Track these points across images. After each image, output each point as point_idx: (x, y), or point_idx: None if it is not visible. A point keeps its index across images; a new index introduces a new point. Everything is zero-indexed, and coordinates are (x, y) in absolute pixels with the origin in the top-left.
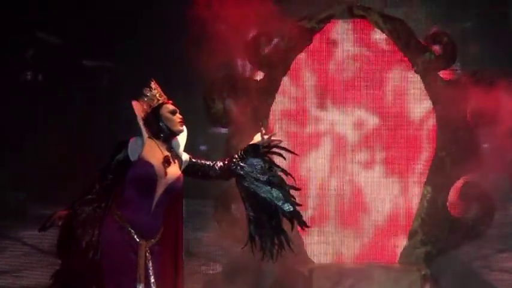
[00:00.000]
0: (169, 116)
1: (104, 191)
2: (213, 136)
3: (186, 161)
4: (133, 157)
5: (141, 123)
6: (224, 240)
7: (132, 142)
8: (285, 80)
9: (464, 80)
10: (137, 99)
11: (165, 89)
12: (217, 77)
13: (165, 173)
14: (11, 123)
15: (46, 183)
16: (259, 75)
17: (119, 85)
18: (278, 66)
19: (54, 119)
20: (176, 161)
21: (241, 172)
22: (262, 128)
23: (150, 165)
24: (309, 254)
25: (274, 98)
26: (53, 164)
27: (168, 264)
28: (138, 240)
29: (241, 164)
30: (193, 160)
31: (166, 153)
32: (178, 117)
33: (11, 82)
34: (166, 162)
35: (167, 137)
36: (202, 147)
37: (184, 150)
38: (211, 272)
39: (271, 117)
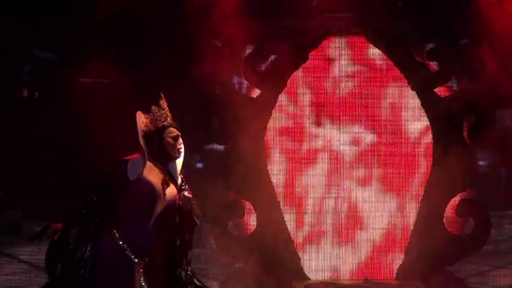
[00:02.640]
0: (171, 141)
1: (98, 208)
2: (209, 153)
3: (179, 184)
4: (132, 176)
5: (141, 138)
6: (221, 257)
7: (133, 161)
8: (282, 97)
9: (460, 96)
10: (142, 111)
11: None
12: (214, 94)
13: (164, 194)
14: (6, 140)
15: (41, 199)
16: (256, 92)
17: (115, 102)
18: (274, 84)
19: (50, 136)
20: (172, 183)
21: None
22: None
23: (151, 185)
24: (305, 271)
25: (270, 115)
26: (48, 181)
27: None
28: (133, 259)
29: None
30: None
31: (164, 174)
32: (179, 143)
33: (7, 99)
34: (166, 183)
35: (164, 159)
36: (199, 165)
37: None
38: None
39: (267, 134)
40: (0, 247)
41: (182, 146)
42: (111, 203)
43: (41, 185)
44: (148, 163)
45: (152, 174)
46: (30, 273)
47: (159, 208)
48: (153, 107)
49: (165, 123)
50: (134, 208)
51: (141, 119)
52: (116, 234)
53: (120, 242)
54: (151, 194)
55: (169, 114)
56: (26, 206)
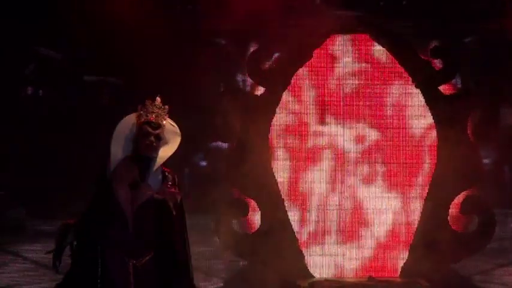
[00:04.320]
0: (141, 138)
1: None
2: (213, 151)
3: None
4: (108, 174)
5: (112, 140)
6: (224, 255)
7: (109, 160)
8: (286, 95)
9: (464, 94)
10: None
11: (165, 104)
12: (218, 92)
13: (133, 198)
14: (9, 138)
15: (45, 198)
16: (260, 90)
17: (119, 100)
18: (278, 81)
19: (54, 134)
20: (150, 182)
21: None
22: None
23: (113, 189)
24: (309, 268)
25: (274, 112)
26: (52, 179)
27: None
28: (125, 259)
29: None
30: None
31: (138, 173)
32: (149, 140)
33: (11, 98)
34: (134, 185)
35: (140, 158)
36: (203, 163)
37: (186, 165)
38: (211, 286)
39: (271, 132)
40: (4, 245)
41: (152, 144)
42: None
43: (45, 184)
44: (124, 162)
45: (122, 177)
46: (35, 272)
47: (129, 211)
48: (148, 103)
49: (143, 119)
50: (107, 211)
51: (126, 120)
52: (108, 236)
53: (111, 243)
54: (115, 196)
55: (159, 113)
56: (30, 204)
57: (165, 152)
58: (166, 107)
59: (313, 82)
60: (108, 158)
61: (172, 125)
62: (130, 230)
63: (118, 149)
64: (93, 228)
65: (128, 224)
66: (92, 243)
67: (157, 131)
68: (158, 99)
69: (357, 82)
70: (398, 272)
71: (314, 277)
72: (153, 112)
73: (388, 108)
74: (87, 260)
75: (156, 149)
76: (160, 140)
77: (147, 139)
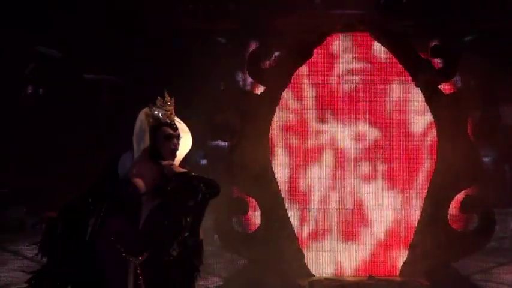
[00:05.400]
0: (163, 140)
1: (90, 202)
2: (214, 149)
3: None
4: (120, 171)
5: (135, 136)
6: (224, 253)
7: (125, 156)
8: (286, 94)
9: (464, 93)
10: (148, 107)
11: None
12: (218, 90)
13: (153, 197)
14: (10, 137)
15: (45, 196)
16: (260, 89)
17: (119, 98)
18: (279, 80)
19: (54, 133)
20: (165, 182)
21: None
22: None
23: (133, 186)
24: (309, 267)
25: (274, 111)
26: (52, 177)
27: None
28: (126, 257)
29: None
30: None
31: (155, 173)
32: (173, 144)
33: (11, 97)
34: (155, 185)
35: (158, 159)
36: (203, 161)
37: (185, 164)
38: (211, 285)
39: (272, 130)
40: (4, 244)
41: (177, 147)
42: (102, 198)
43: (45, 181)
44: (142, 162)
45: (142, 175)
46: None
47: (145, 210)
48: (159, 101)
49: (162, 121)
50: (120, 208)
51: (142, 116)
52: (109, 231)
53: (112, 239)
54: (132, 194)
55: (172, 112)
56: (30, 202)
57: (181, 150)
58: (173, 100)
59: (313, 81)
60: (117, 153)
61: (180, 122)
62: (140, 228)
63: (136, 147)
64: (83, 221)
65: (139, 221)
66: (83, 235)
67: (177, 132)
68: (167, 96)
69: (357, 81)
70: (398, 271)
71: (314, 276)
72: (167, 111)
73: (388, 106)
74: (74, 253)
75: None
76: (179, 141)
77: (171, 143)
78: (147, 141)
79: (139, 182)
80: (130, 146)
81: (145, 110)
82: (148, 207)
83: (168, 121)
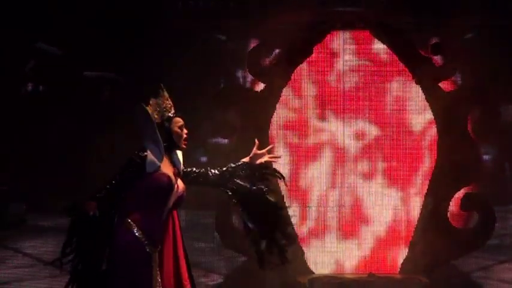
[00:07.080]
0: (179, 131)
1: (113, 199)
2: (213, 147)
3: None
4: (150, 169)
5: (157, 131)
6: (225, 251)
7: (151, 153)
8: (286, 91)
9: (464, 91)
10: (146, 105)
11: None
12: (218, 87)
13: (177, 186)
14: (10, 134)
15: (45, 194)
16: (260, 86)
17: (119, 96)
18: (279, 77)
19: (54, 130)
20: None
21: (234, 187)
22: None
23: (168, 177)
24: (309, 265)
25: (274, 108)
26: (52, 175)
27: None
28: (148, 250)
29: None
30: (187, 169)
31: (172, 165)
32: (185, 132)
33: (12, 94)
34: (177, 174)
35: (171, 150)
36: (203, 158)
37: (185, 161)
38: (211, 283)
39: (271, 128)
40: (4, 241)
41: (187, 134)
42: (126, 195)
43: (46, 179)
44: (164, 155)
45: (166, 166)
46: (34, 267)
47: (172, 200)
48: (153, 99)
49: (170, 113)
50: (152, 200)
51: (146, 113)
52: (132, 224)
53: (137, 234)
54: (168, 185)
55: (172, 104)
56: (30, 200)
57: None
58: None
59: (313, 78)
60: (143, 147)
61: None
62: (164, 218)
63: (149, 142)
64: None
65: (163, 211)
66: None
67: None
68: (164, 91)
69: (357, 78)
70: (398, 269)
71: (314, 273)
72: (168, 105)
73: (388, 104)
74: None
75: None
76: None
77: (183, 132)
78: (159, 136)
79: (171, 174)
80: (133, 143)
81: (150, 107)
82: (173, 199)
83: (175, 112)
